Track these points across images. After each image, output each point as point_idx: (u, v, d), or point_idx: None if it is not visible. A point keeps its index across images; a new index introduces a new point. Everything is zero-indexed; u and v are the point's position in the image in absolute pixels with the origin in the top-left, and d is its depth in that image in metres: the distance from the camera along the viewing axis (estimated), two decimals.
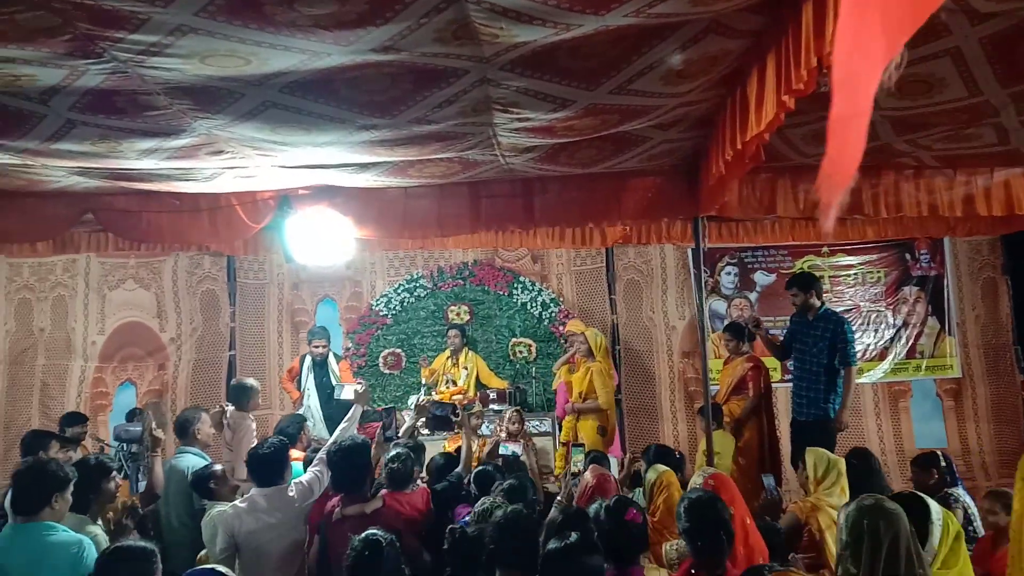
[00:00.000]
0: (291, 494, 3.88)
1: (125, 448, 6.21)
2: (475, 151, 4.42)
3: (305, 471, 4.19)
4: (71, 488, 3.32)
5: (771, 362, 6.78)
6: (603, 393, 6.27)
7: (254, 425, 4.52)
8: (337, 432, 4.34)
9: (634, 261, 8.22)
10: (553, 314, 7.97)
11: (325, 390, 7.00)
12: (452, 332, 7.49)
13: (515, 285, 8.09)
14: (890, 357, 7.95)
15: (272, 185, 5.17)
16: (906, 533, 2.43)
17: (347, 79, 3.15)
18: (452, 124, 3.80)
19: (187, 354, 8.05)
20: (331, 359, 7.20)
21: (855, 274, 8.05)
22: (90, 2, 2.41)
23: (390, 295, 8.17)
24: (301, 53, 2.85)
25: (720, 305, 8.13)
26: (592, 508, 3.29)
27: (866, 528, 2.43)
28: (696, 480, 3.56)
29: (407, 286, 8.18)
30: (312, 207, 5.31)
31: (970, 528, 4.27)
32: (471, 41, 2.80)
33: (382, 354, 8.05)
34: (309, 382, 7.12)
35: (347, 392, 6.65)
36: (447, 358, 7.47)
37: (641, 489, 4.63)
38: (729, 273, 8.13)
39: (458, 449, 5.06)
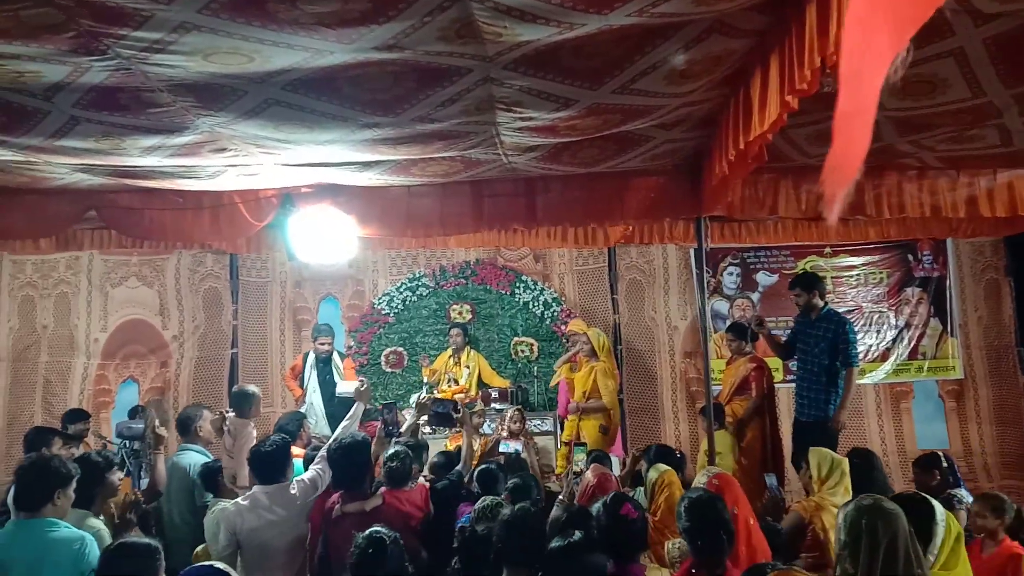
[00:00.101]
0: (293, 492, 3.89)
1: (127, 445, 6.22)
2: (478, 150, 4.42)
3: (306, 469, 4.20)
4: (74, 485, 3.33)
5: (773, 362, 6.77)
6: (607, 392, 6.27)
7: (255, 432, 4.52)
8: (339, 430, 4.35)
9: (636, 261, 8.22)
10: (555, 313, 7.97)
11: (328, 388, 7.01)
12: (454, 331, 7.50)
13: (517, 284, 8.09)
14: (892, 358, 7.94)
15: (275, 183, 5.18)
16: (904, 533, 2.42)
17: (350, 77, 3.16)
18: (455, 123, 3.80)
19: (189, 352, 8.06)
20: (335, 357, 7.21)
21: (857, 275, 8.04)
22: None
23: (392, 294, 8.18)
24: (304, 51, 2.85)
25: (722, 305, 8.12)
26: (594, 507, 3.29)
27: (864, 528, 2.43)
28: (700, 480, 3.56)
29: (409, 285, 8.19)
30: (315, 205, 5.32)
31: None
32: (474, 40, 2.80)
33: (384, 353, 8.06)
34: (312, 379, 7.13)
35: (347, 386, 6.66)
36: (449, 357, 7.47)
37: (642, 488, 4.63)
38: (731, 273, 8.12)
39: (459, 448, 5.06)
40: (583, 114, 3.67)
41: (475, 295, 8.13)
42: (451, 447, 5.96)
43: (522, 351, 7.95)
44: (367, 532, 3.01)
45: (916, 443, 7.75)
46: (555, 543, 2.85)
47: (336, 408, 6.54)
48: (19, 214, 5.25)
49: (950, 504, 4.08)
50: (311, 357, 7.22)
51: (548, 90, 3.36)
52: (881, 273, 8.02)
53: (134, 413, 6.76)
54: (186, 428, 4.86)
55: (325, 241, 5.57)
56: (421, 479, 4.70)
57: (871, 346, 7.91)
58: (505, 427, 5.93)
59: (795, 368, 6.02)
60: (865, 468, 4.05)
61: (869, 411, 7.93)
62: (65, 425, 5.73)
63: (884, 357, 7.94)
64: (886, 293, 8.00)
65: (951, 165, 5.00)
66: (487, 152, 4.47)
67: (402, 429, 4.84)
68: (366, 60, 2.97)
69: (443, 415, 5.18)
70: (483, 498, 3.80)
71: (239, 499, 3.89)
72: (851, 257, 8.03)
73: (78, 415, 6.02)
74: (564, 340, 7.67)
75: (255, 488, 3.89)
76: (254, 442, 4.95)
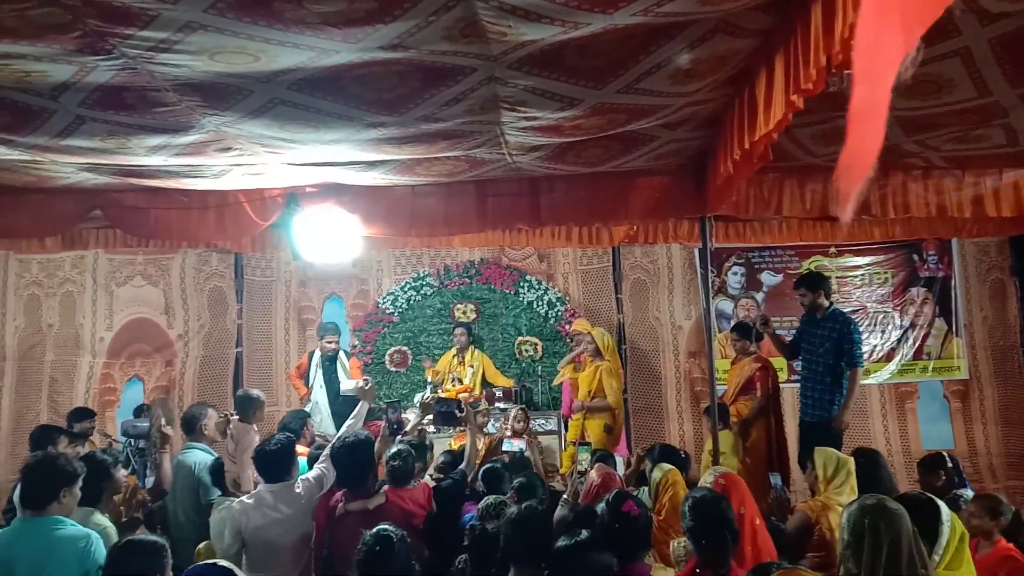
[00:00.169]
0: (298, 490, 3.90)
1: (133, 444, 6.24)
2: (482, 149, 4.43)
3: (311, 467, 4.21)
4: (79, 483, 3.34)
5: (778, 362, 6.77)
6: (612, 392, 6.28)
7: (257, 437, 4.52)
8: (343, 429, 4.36)
9: (640, 261, 8.22)
10: (559, 313, 7.97)
11: (334, 386, 7.03)
12: (458, 330, 7.51)
13: (521, 284, 8.10)
14: (897, 358, 7.92)
15: (280, 183, 5.19)
16: (908, 533, 2.42)
17: (355, 76, 3.16)
18: (459, 122, 3.81)
19: (194, 351, 8.07)
20: (341, 355, 7.23)
21: (862, 275, 8.03)
22: None
23: (396, 293, 8.19)
24: (310, 50, 2.86)
25: (727, 305, 8.12)
26: (598, 507, 3.30)
27: (867, 527, 2.43)
28: (707, 479, 3.55)
29: (413, 284, 8.19)
30: (319, 205, 5.33)
31: None
32: (479, 39, 2.81)
33: (388, 352, 8.06)
34: (318, 378, 7.14)
35: (350, 384, 6.67)
36: (453, 356, 7.48)
37: (646, 488, 4.63)
38: (736, 273, 8.11)
39: (463, 447, 5.07)
40: (588, 114, 3.67)
41: (479, 294, 8.14)
42: (455, 446, 5.97)
43: (526, 350, 7.96)
44: (374, 530, 3.02)
45: (921, 443, 7.73)
46: (562, 542, 2.85)
47: (341, 406, 6.55)
48: (25, 213, 5.27)
49: (956, 505, 4.06)
50: (317, 355, 7.23)
51: (553, 90, 3.36)
52: (886, 273, 8.00)
53: (139, 412, 6.78)
54: (191, 427, 4.87)
55: (329, 240, 5.58)
56: (427, 478, 4.70)
57: (876, 346, 7.89)
58: (509, 426, 5.93)
59: (800, 368, 6.00)
60: (870, 468, 4.04)
61: (874, 411, 7.91)
62: (71, 424, 5.75)
63: (889, 357, 7.92)
64: (891, 293, 7.99)
65: (957, 165, 4.99)
66: (491, 152, 4.48)
67: (407, 429, 4.84)
68: (371, 59, 2.97)
69: (447, 414, 5.20)
70: (487, 497, 3.80)
71: (244, 497, 3.91)
72: (856, 257, 8.02)
73: (83, 414, 6.04)
74: (568, 340, 7.67)
75: (260, 486, 3.90)
76: (255, 447, 4.95)
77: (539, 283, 8.10)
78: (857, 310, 7.81)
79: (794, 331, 6.43)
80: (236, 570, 2.62)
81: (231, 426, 4.60)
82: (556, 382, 7.31)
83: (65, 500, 3.26)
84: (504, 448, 5.55)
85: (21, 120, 3.62)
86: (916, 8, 1.03)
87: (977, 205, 5.08)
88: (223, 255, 8.12)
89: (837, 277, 7.93)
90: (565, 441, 6.66)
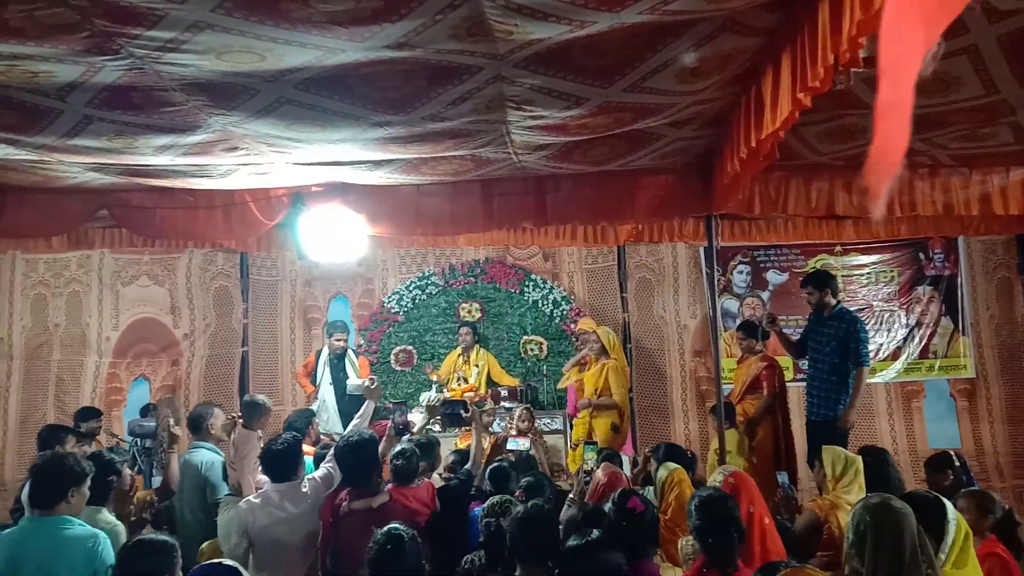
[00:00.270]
0: (304, 489, 3.90)
1: (139, 443, 6.25)
2: (488, 148, 4.43)
3: (317, 467, 4.21)
4: (88, 483, 3.35)
5: (784, 361, 6.75)
6: (618, 390, 6.27)
7: (260, 444, 4.51)
8: (349, 428, 4.37)
9: (646, 259, 8.21)
10: (564, 312, 7.96)
11: (341, 384, 7.05)
12: (463, 329, 7.51)
13: (526, 283, 8.09)
14: (903, 357, 7.90)
15: (286, 182, 5.19)
16: (912, 532, 2.42)
17: (361, 76, 3.17)
18: (465, 121, 3.81)
19: (200, 350, 8.09)
20: (350, 353, 7.25)
21: (868, 273, 8.00)
22: None
23: (402, 292, 8.19)
24: (316, 49, 2.86)
25: (732, 304, 8.10)
26: (606, 506, 3.30)
27: (872, 526, 2.43)
28: (716, 478, 3.55)
29: (419, 283, 8.20)
30: (325, 204, 5.33)
31: None
32: (485, 38, 2.81)
33: (394, 351, 8.07)
34: (326, 376, 7.15)
35: (355, 383, 6.68)
36: (458, 355, 7.48)
37: (652, 487, 4.63)
38: (741, 272, 8.10)
39: (470, 446, 5.07)
40: (594, 112, 3.67)
41: (484, 294, 8.14)
42: (461, 445, 5.97)
43: (531, 350, 7.95)
44: (386, 529, 3.03)
45: (927, 442, 7.71)
46: (573, 542, 2.86)
47: (348, 405, 6.56)
48: (32, 212, 5.29)
49: None
50: (324, 353, 7.24)
51: (559, 88, 3.36)
52: (892, 272, 7.98)
53: (146, 411, 6.79)
54: (198, 426, 4.88)
55: (335, 240, 5.58)
56: (436, 478, 4.71)
57: (881, 345, 7.86)
58: (514, 426, 5.94)
59: (806, 367, 5.99)
60: (878, 466, 4.03)
61: (880, 410, 7.89)
62: (77, 423, 5.77)
63: (895, 356, 7.89)
64: (897, 292, 7.96)
65: (964, 163, 4.97)
66: (497, 151, 4.48)
67: (413, 431, 4.85)
68: (378, 59, 2.98)
69: (453, 415, 5.22)
70: (493, 496, 3.81)
71: (251, 497, 3.91)
72: (862, 256, 7.99)
73: (90, 413, 6.06)
74: (574, 339, 7.67)
75: (267, 486, 3.91)
76: (257, 453, 4.93)
77: (544, 282, 8.09)
78: (863, 309, 7.78)
79: (800, 330, 6.41)
80: (241, 569, 2.63)
81: (235, 431, 4.60)
82: (561, 385, 7.30)
83: (73, 500, 3.27)
84: (508, 447, 5.56)
85: (29, 120, 3.63)
86: (937, 4, 1.03)
87: (984, 203, 5.06)
88: (229, 255, 8.14)
89: (843, 276, 7.89)
90: (570, 441, 6.66)
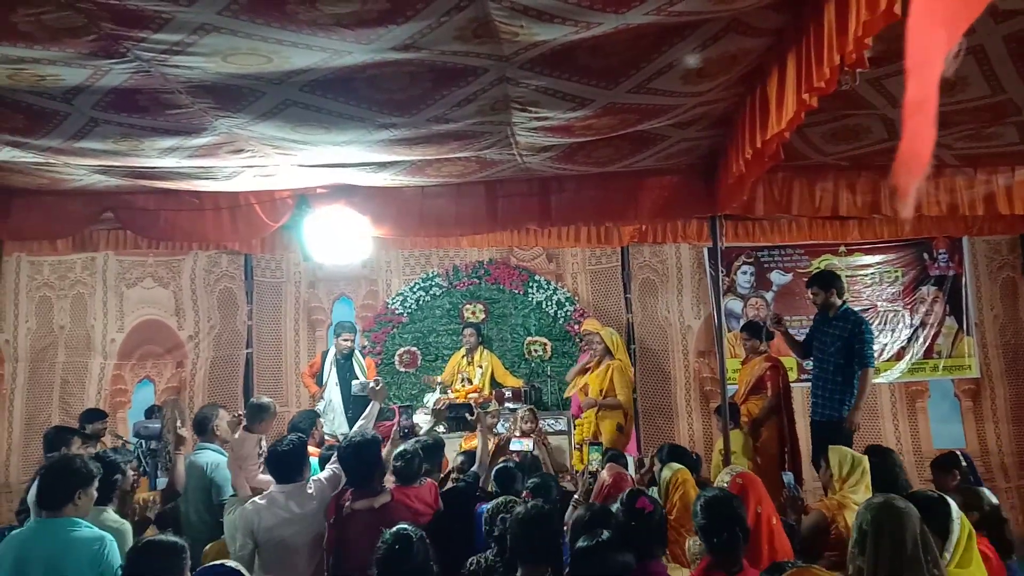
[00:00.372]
0: (310, 491, 3.92)
1: (144, 445, 6.25)
2: (493, 150, 4.43)
3: (322, 468, 4.22)
4: (95, 484, 3.36)
5: (788, 361, 6.74)
6: (623, 390, 6.27)
7: (264, 445, 4.50)
8: (354, 429, 4.37)
9: (649, 260, 8.20)
10: (568, 313, 7.96)
11: (348, 385, 7.05)
12: (467, 331, 7.52)
13: (530, 284, 8.10)
14: (907, 357, 7.88)
15: (290, 184, 5.20)
16: (915, 532, 2.42)
17: (367, 77, 3.17)
18: (470, 123, 3.81)
19: (205, 352, 8.10)
20: (357, 354, 7.25)
21: (872, 274, 7.99)
22: (114, 2, 2.44)
23: (406, 293, 8.20)
24: (322, 51, 2.87)
25: (736, 304, 8.09)
26: (614, 506, 3.30)
27: (874, 525, 2.44)
28: (724, 478, 3.55)
29: (423, 285, 8.20)
30: (330, 206, 5.34)
31: None
32: (491, 39, 2.81)
33: (398, 352, 8.07)
34: (332, 376, 7.16)
35: (360, 384, 6.68)
36: (462, 357, 7.49)
37: (656, 488, 4.62)
38: (745, 272, 8.09)
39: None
40: (599, 114, 3.67)
41: (488, 295, 8.14)
42: (466, 447, 5.97)
43: (535, 351, 7.96)
44: (394, 529, 3.03)
45: (932, 443, 7.69)
46: (583, 542, 2.86)
47: (354, 405, 6.56)
48: (38, 215, 5.30)
49: None
50: (331, 354, 7.25)
51: (564, 90, 3.36)
52: (896, 272, 7.97)
53: (150, 413, 6.79)
54: (203, 428, 4.89)
55: (339, 241, 5.60)
56: (450, 480, 4.71)
57: (886, 345, 7.85)
58: (517, 427, 5.94)
59: (810, 367, 5.98)
60: (883, 465, 4.02)
61: (884, 411, 7.88)
62: (82, 425, 5.78)
63: (899, 356, 7.88)
64: (901, 292, 7.95)
65: (968, 163, 4.96)
66: (502, 152, 4.48)
67: (422, 432, 4.86)
68: (383, 60, 2.98)
69: (458, 419, 5.23)
70: (498, 497, 3.81)
71: (257, 498, 3.92)
72: (866, 256, 7.98)
73: (95, 415, 6.07)
74: (578, 339, 7.66)
75: (273, 487, 3.92)
76: (256, 457, 4.93)
77: (548, 283, 8.10)
78: (867, 309, 7.77)
79: (803, 330, 6.41)
80: (243, 570, 2.64)
81: (237, 433, 4.61)
82: (568, 394, 7.25)
83: (80, 501, 3.28)
84: (512, 447, 5.56)
85: (35, 123, 3.64)
86: (961, 2, 1.03)
87: (989, 203, 5.05)
88: (233, 256, 8.15)
89: (847, 276, 7.87)
90: (574, 442, 6.65)
